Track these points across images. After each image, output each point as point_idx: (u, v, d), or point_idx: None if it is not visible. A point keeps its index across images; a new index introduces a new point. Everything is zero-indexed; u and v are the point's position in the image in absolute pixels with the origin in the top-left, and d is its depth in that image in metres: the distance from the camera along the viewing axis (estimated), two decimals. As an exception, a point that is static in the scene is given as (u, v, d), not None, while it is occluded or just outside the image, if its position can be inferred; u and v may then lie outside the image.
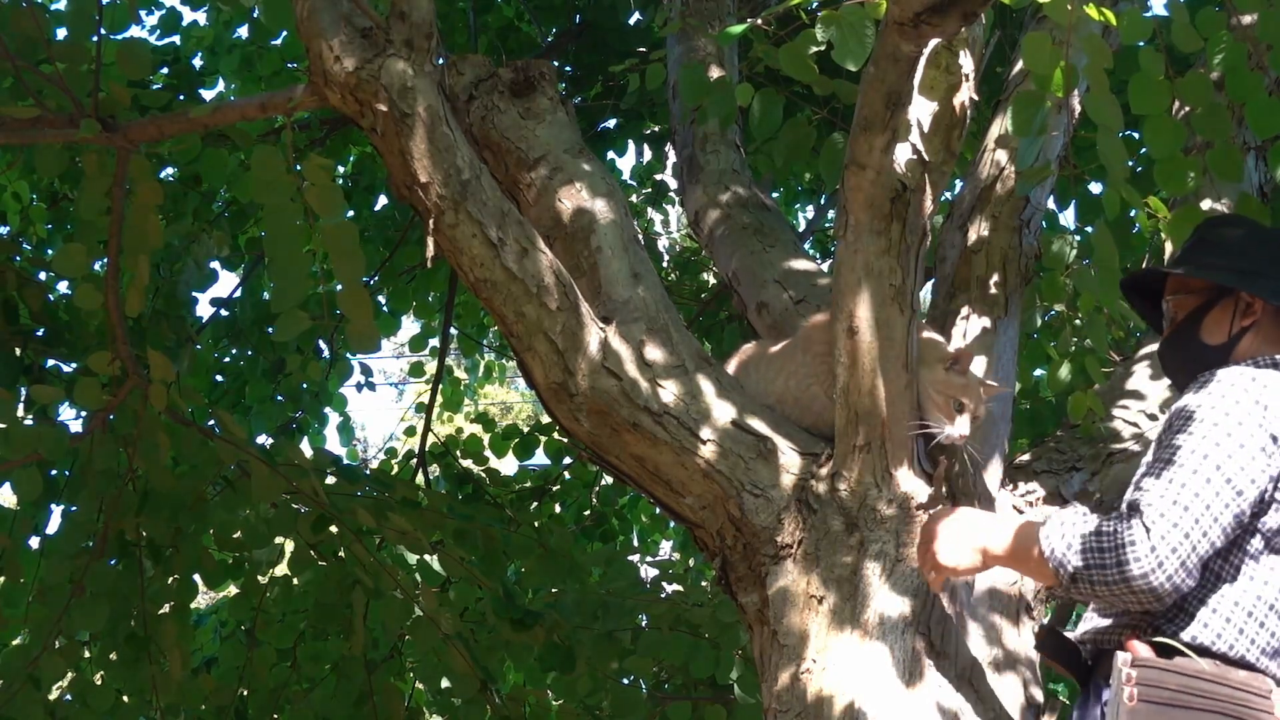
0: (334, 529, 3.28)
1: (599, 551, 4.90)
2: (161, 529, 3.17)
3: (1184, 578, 1.81)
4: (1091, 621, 2.03)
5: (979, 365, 2.44)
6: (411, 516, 3.25)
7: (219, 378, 5.25)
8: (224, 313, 5.17)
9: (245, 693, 3.72)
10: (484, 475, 5.28)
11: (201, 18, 5.18)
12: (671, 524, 6.05)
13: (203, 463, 3.19)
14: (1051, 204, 3.97)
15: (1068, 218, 5.30)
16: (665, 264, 6.45)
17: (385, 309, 5.51)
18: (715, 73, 3.19)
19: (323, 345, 5.37)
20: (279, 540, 3.49)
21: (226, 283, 32.13)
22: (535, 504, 5.41)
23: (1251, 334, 2.11)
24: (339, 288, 2.47)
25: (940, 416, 2.26)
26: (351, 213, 5.16)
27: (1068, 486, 2.65)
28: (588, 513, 5.61)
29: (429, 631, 3.30)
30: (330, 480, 3.29)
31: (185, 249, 4.29)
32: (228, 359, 5.25)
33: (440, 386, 5.73)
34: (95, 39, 2.83)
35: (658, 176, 6.10)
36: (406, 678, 4.19)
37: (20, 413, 3.23)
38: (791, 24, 2.53)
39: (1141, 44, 2.42)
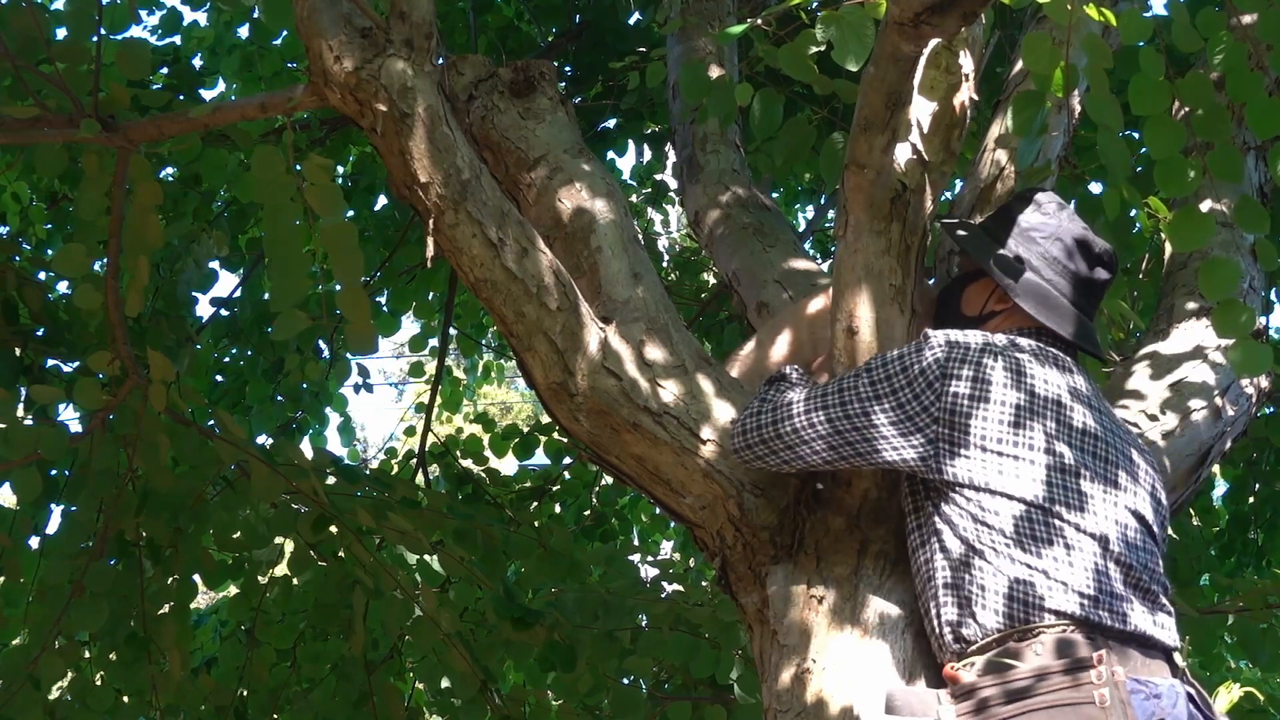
0: (334, 529, 3.28)
1: (599, 551, 4.90)
2: (161, 529, 3.17)
3: (756, 461, 2.15)
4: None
5: None
6: (411, 516, 3.25)
7: (219, 378, 5.25)
8: (224, 313, 5.18)
9: (245, 693, 3.73)
10: (484, 475, 5.28)
11: (202, 18, 5.20)
12: (671, 524, 6.05)
13: (203, 463, 3.19)
14: (1051, 204, 3.95)
15: (1068, 218, 5.28)
16: (665, 264, 6.45)
17: (385, 309, 5.50)
18: (715, 72, 3.18)
19: (322, 345, 5.37)
20: (279, 540, 3.49)
21: (226, 283, 32.06)
22: (535, 504, 5.41)
23: (1003, 318, 2.15)
24: (338, 288, 2.47)
25: None
26: (351, 213, 5.17)
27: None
28: (588, 513, 5.60)
29: (429, 631, 3.30)
30: (330, 480, 3.29)
31: (185, 249, 4.30)
32: (228, 359, 5.26)
33: (440, 386, 5.73)
34: (95, 39, 2.83)
35: (658, 176, 6.11)
36: (406, 678, 4.19)
37: (20, 413, 3.23)
38: (791, 24, 2.53)
39: (1141, 44, 2.42)
